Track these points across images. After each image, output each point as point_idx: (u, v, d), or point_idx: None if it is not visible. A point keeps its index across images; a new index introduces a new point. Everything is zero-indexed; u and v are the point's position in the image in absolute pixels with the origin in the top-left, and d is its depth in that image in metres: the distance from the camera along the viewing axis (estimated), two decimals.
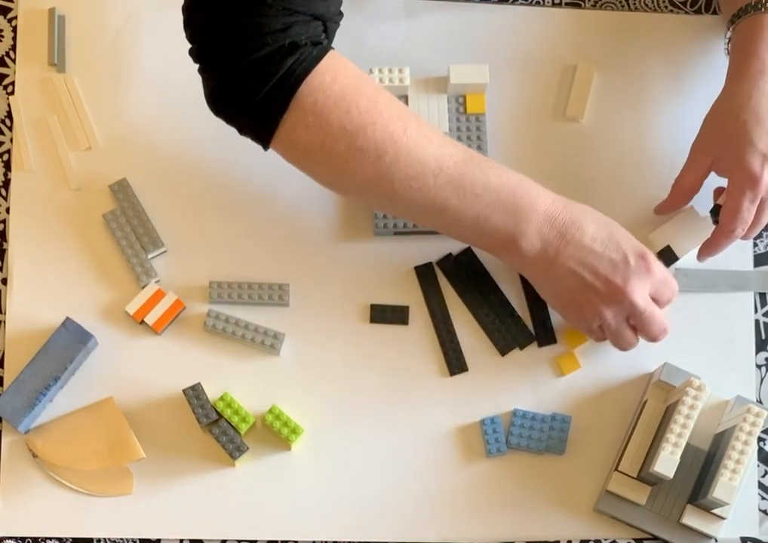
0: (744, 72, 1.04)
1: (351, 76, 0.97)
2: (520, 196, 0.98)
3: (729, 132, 1.03)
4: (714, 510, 1.04)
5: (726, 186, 1.05)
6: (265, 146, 0.99)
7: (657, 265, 1.01)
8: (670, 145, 1.14)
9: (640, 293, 1.00)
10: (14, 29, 1.14)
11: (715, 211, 1.06)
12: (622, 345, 1.05)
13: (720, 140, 1.05)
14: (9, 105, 1.12)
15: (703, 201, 1.10)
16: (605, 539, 1.07)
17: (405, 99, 1.12)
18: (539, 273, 1.02)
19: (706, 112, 1.08)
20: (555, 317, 1.11)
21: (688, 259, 1.12)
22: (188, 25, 0.97)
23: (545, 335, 1.10)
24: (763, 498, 1.09)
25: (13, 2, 1.14)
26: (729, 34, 1.08)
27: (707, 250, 1.07)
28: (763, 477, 1.09)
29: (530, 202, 0.99)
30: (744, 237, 1.05)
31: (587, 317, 1.03)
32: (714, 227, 1.06)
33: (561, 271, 1.00)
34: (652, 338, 1.03)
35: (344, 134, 0.96)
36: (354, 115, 0.95)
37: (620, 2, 1.18)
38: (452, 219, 1.00)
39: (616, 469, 1.05)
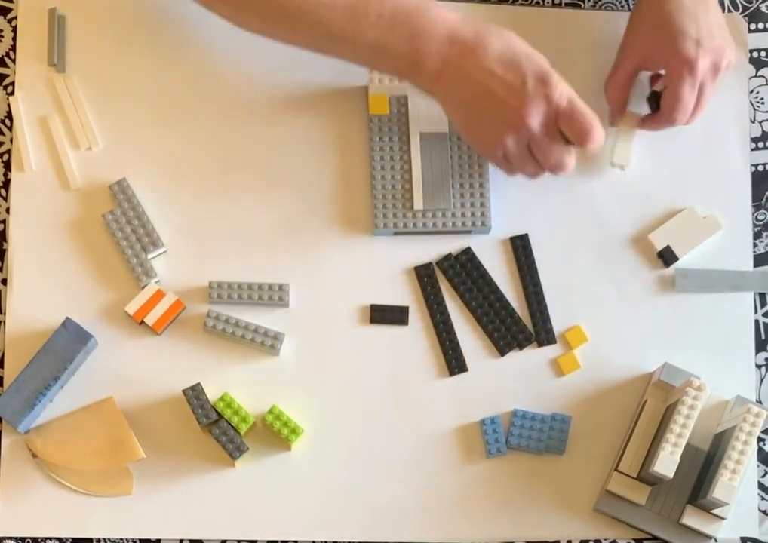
0: None
1: None
2: (418, 20, 0.99)
3: (657, 25, 1.05)
4: (713, 511, 1.04)
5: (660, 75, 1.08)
6: None
7: (560, 92, 0.99)
8: (667, 145, 1.14)
9: (534, 117, 0.99)
10: (14, 29, 1.14)
11: (654, 98, 1.09)
12: (527, 173, 1.04)
13: (648, 35, 1.07)
14: (9, 105, 1.12)
15: (704, 201, 1.11)
16: (605, 539, 1.07)
17: (405, 99, 1.12)
18: (445, 96, 1.02)
19: (707, 111, 1.08)
20: (555, 317, 1.11)
21: (688, 259, 1.12)
22: None
23: (544, 335, 1.10)
24: (763, 498, 1.09)
25: (13, 2, 1.14)
26: None
27: (647, 128, 1.10)
28: (763, 477, 1.09)
29: (430, 23, 0.99)
30: (686, 124, 1.08)
31: (490, 143, 1.02)
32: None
33: (464, 91, 1.00)
34: (550, 169, 1.02)
35: None
36: None
37: (620, 2, 1.18)
38: (352, 50, 1.01)
39: (616, 469, 1.05)
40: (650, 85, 1.11)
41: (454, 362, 1.09)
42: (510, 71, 0.99)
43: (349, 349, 1.09)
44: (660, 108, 1.07)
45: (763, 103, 1.16)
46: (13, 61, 1.13)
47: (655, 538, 1.06)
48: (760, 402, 1.11)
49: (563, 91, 0.99)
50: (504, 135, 1.00)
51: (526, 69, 0.99)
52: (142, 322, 1.07)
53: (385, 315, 1.09)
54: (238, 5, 1.00)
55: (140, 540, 1.05)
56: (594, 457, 1.08)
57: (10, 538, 1.04)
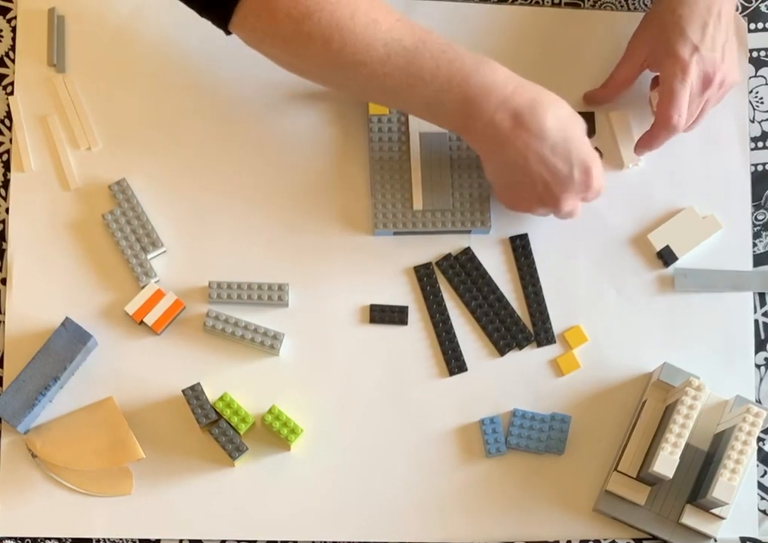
0: None
1: None
2: (473, 84, 0.98)
3: (664, 26, 1.06)
4: (713, 510, 1.04)
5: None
6: (225, 32, 1.01)
7: (598, 179, 1.02)
8: (667, 145, 1.14)
9: (571, 203, 1.03)
10: (14, 29, 1.14)
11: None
12: (537, 215, 1.08)
13: (655, 34, 1.07)
14: (9, 105, 1.12)
15: (703, 201, 1.11)
16: (604, 539, 1.07)
17: None
18: (487, 152, 1.03)
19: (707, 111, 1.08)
20: (555, 317, 1.11)
21: (687, 258, 1.12)
22: None
23: (544, 335, 1.10)
24: (763, 498, 1.09)
25: (13, 2, 1.14)
26: None
27: (646, 142, 1.09)
28: (763, 476, 1.09)
29: (485, 89, 0.98)
30: (685, 130, 1.08)
31: (518, 206, 1.07)
32: None
33: (508, 159, 1.01)
34: (561, 218, 1.07)
35: (290, 21, 0.97)
36: (300, 3, 0.96)
37: (620, 2, 1.18)
38: (404, 103, 1.01)
39: (616, 469, 1.06)
40: (651, 87, 1.11)
41: (454, 362, 1.09)
42: (560, 159, 1.00)
43: (349, 349, 1.09)
44: (657, 112, 1.07)
45: (762, 103, 1.16)
46: (13, 61, 1.13)
47: (654, 538, 1.06)
48: (760, 402, 1.11)
49: (601, 182, 1.03)
50: (536, 207, 1.05)
51: (574, 159, 1.00)
52: (141, 322, 1.07)
53: (385, 315, 1.09)
54: (295, 52, 0.99)
55: (140, 540, 1.05)
56: (594, 457, 1.08)
57: (10, 538, 1.05)
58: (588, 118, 1.14)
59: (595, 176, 1.02)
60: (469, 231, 1.12)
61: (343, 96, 1.12)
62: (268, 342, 1.07)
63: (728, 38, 1.06)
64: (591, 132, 1.13)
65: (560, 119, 1.00)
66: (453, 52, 0.99)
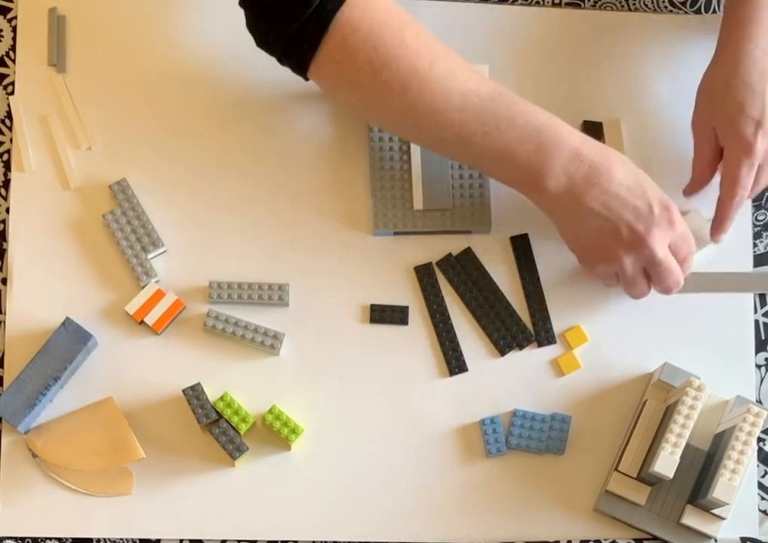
0: (732, 39, 1.05)
1: (381, 10, 0.98)
2: (546, 134, 0.99)
3: (721, 101, 1.04)
4: (713, 510, 1.04)
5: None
6: (305, 78, 1.02)
7: (680, 219, 1.02)
8: (669, 145, 1.14)
9: (660, 243, 1.01)
10: (14, 29, 1.14)
11: None
12: (635, 293, 1.06)
13: (713, 111, 1.06)
14: (9, 105, 1.12)
15: (706, 203, 1.10)
16: (605, 539, 1.07)
17: None
18: (562, 212, 1.03)
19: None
20: (555, 317, 1.11)
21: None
22: None
23: (544, 335, 1.10)
24: (763, 498, 1.09)
25: (13, 2, 1.14)
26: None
27: (718, 226, 1.08)
28: (763, 477, 1.09)
29: (557, 140, 0.99)
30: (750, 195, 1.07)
31: (605, 261, 1.03)
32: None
33: (584, 212, 1.01)
34: (666, 290, 1.04)
35: (369, 69, 0.98)
36: (380, 50, 0.97)
37: (620, 2, 1.18)
38: (477, 154, 1.01)
39: (616, 469, 1.05)
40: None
41: (454, 362, 1.09)
42: (637, 197, 1.00)
43: (349, 349, 1.09)
44: (720, 191, 1.06)
45: None
46: (13, 61, 1.13)
47: (655, 538, 1.06)
48: (760, 402, 1.11)
49: (681, 221, 1.02)
50: (623, 255, 1.02)
51: (651, 196, 1.00)
52: (142, 322, 1.07)
53: (385, 315, 1.09)
54: (372, 100, 1.01)
55: (140, 540, 1.05)
56: (594, 457, 1.08)
57: (10, 538, 1.04)
58: (597, 127, 1.13)
59: (675, 213, 1.01)
60: (469, 231, 1.12)
61: None
62: (268, 342, 1.07)
63: None
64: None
65: (628, 166, 1.01)
66: (525, 104, 1.00)
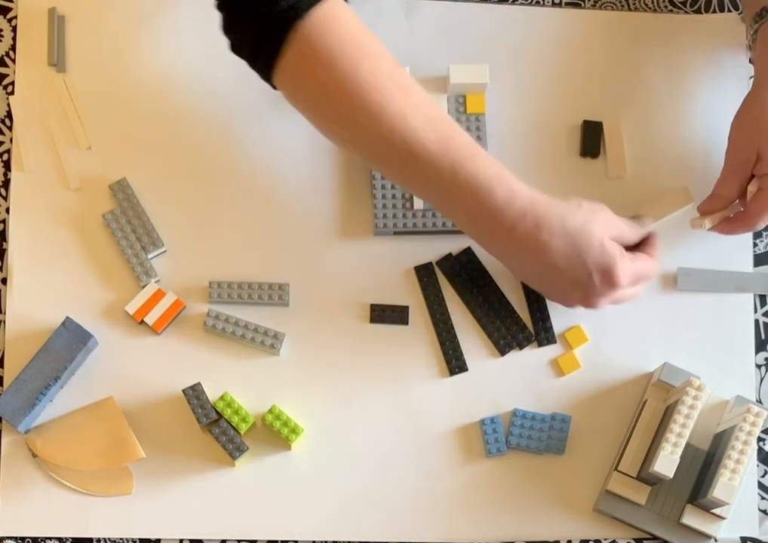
0: None
1: (344, 34, 0.96)
2: (483, 205, 0.97)
3: (759, 130, 1.03)
4: (713, 510, 1.04)
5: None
6: (272, 86, 1.01)
7: (624, 275, 0.99)
8: (669, 145, 1.14)
9: (602, 304, 1.02)
10: (14, 29, 1.14)
11: None
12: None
13: (759, 141, 1.04)
14: (9, 105, 1.12)
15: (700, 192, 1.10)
16: (605, 539, 1.07)
17: None
18: (505, 260, 1.04)
19: (705, 112, 1.08)
20: (555, 317, 1.11)
21: (688, 258, 1.12)
22: None
23: (544, 335, 1.10)
24: (763, 498, 1.09)
25: (13, 2, 1.14)
26: (751, 33, 1.08)
27: (723, 227, 1.07)
28: (763, 476, 1.09)
29: (493, 215, 0.97)
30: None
31: (557, 300, 1.07)
32: None
33: (529, 278, 1.04)
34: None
35: (322, 92, 0.97)
36: (332, 77, 0.96)
37: (620, 2, 1.18)
38: (422, 195, 1.03)
39: (616, 469, 1.05)
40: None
41: (454, 362, 1.09)
42: (575, 268, 0.99)
43: (349, 349, 1.09)
44: (745, 209, 1.05)
45: None
46: (13, 61, 1.13)
47: (655, 538, 1.06)
48: (760, 402, 1.11)
49: (628, 278, 1.00)
50: (573, 303, 1.05)
51: (589, 263, 0.99)
52: (142, 322, 1.07)
53: (385, 315, 1.09)
54: (322, 120, 1.00)
55: (140, 540, 1.05)
56: (594, 457, 1.08)
57: (10, 538, 1.04)
58: (597, 127, 1.13)
59: (618, 275, 0.99)
60: None
61: None
62: (268, 342, 1.07)
63: None
64: (597, 146, 1.12)
65: (567, 234, 0.98)
66: (474, 159, 0.97)
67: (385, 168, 1.01)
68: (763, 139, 1.04)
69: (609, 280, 0.99)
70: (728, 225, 1.07)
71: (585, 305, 1.03)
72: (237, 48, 1.00)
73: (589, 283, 1.00)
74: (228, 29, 1.00)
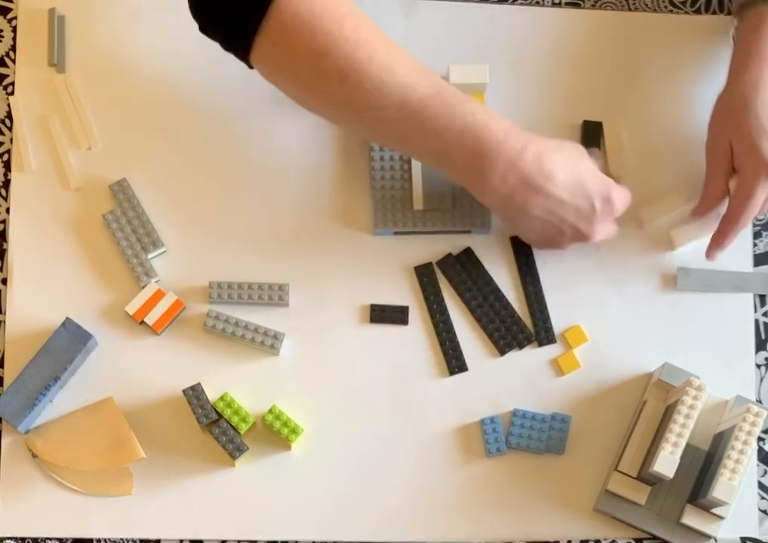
0: (748, 63, 1.04)
1: None
2: (484, 140, 0.98)
3: (740, 124, 1.03)
4: (713, 510, 1.04)
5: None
6: (248, 64, 1.01)
7: (620, 202, 1.04)
8: (669, 144, 1.14)
9: (601, 232, 1.05)
10: (14, 29, 1.14)
11: None
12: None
13: (731, 134, 1.04)
14: (9, 105, 1.12)
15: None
16: (605, 539, 1.07)
17: None
18: (504, 212, 1.04)
19: (705, 112, 1.08)
20: (555, 317, 1.11)
21: (688, 257, 1.12)
22: None
23: (544, 335, 1.10)
24: (763, 498, 1.09)
25: (13, 2, 1.14)
26: (735, 24, 1.08)
27: (718, 242, 1.07)
28: (763, 476, 1.09)
29: (496, 146, 0.98)
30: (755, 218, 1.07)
31: (552, 246, 1.08)
32: None
33: (527, 216, 1.02)
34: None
35: (308, 56, 0.96)
36: (318, 39, 0.96)
37: (620, 2, 1.18)
38: (416, 152, 1.02)
39: (616, 469, 1.05)
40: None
41: (454, 362, 1.09)
42: (579, 198, 1.01)
43: (349, 349, 1.09)
44: (728, 208, 1.06)
45: None
46: (13, 61, 1.13)
47: (655, 537, 1.06)
48: (760, 401, 1.11)
49: (623, 201, 1.05)
50: (567, 244, 1.07)
51: (592, 192, 1.01)
52: (142, 322, 1.07)
53: (385, 315, 1.09)
54: (308, 88, 0.99)
55: (140, 540, 1.05)
56: (594, 457, 1.08)
57: (10, 538, 1.04)
58: (597, 127, 1.13)
59: (616, 198, 1.03)
60: (469, 231, 1.12)
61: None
62: (268, 342, 1.07)
63: None
64: (597, 146, 1.12)
65: (567, 164, 1.01)
66: (465, 105, 0.98)
67: (380, 124, 0.99)
68: (733, 131, 1.04)
69: (608, 205, 1.02)
70: (719, 236, 1.07)
71: (584, 236, 1.04)
72: (210, 28, 1.00)
73: (591, 211, 1.02)
74: (198, 8, 0.99)
